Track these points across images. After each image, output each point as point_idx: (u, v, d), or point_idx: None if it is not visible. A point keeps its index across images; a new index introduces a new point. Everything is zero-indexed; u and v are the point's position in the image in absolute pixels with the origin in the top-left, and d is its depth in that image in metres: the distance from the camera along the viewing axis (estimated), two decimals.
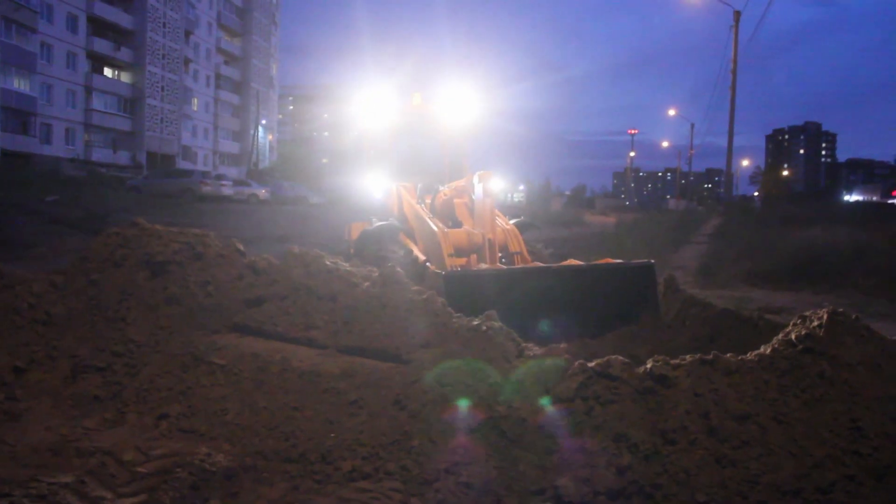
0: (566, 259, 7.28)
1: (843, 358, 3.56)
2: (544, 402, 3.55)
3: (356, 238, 8.11)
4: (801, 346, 3.61)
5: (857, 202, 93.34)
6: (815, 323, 3.72)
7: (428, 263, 6.40)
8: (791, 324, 3.90)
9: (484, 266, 6.40)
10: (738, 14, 35.77)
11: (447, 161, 9.35)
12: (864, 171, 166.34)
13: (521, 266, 6.81)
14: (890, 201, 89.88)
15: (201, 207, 28.93)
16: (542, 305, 5.84)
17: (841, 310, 3.79)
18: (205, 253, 5.17)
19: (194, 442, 3.58)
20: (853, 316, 3.80)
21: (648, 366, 3.59)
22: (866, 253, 14.19)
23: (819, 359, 3.54)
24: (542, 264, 6.96)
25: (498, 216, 7.29)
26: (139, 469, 3.28)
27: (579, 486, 3.13)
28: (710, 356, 3.63)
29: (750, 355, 3.68)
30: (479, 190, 6.90)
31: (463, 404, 3.62)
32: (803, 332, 3.68)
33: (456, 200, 7.78)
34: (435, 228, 6.96)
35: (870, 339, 3.73)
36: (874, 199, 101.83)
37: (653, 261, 6.54)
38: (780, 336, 3.78)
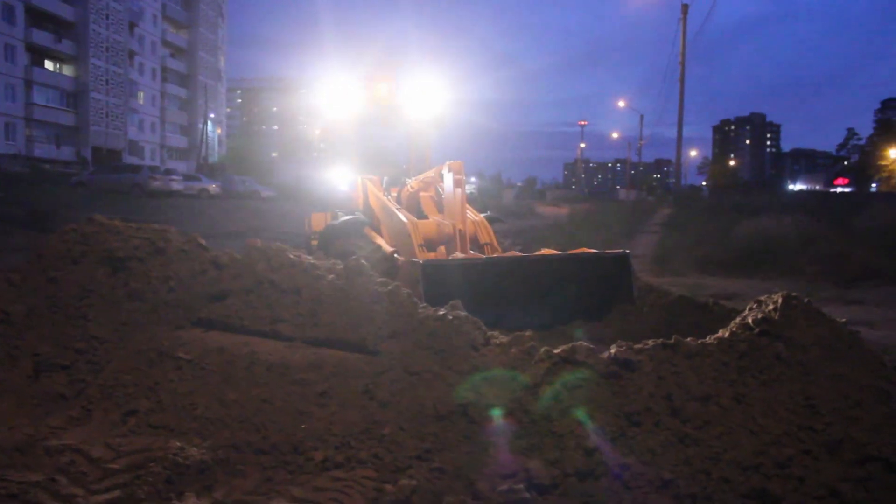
0: (529, 251, 7.35)
1: (797, 340, 3.71)
2: (512, 388, 3.63)
3: (322, 232, 8.03)
4: (757, 330, 3.76)
5: (801, 191, 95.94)
6: (771, 307, 3.88)
7: (396, 255, 6.38)
8: (748, 308, 4.05)
9: (460, 255, 6.41)
10: (685, 7, 36.49)
11: (413, 154, 9.30)
12: (807, 161, 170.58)
13: (499, 255, 6.83)
14: (832, 190, 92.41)
15: (151, 203, 28.36)
16: (520, 294, 5.91)
17: (795, 294, 3.95)
18: (166, 248, 5.11)
19: (165, 437, 3.56)
20: (805, 300, 3.97)
21: (612, 351, 3.70)
22: (811, 241, 14.67)
23: (775, 341, 3.69)
24: (518, 253, 6.99)
25: (467, 208, 7.30)
26: (111, 465, 3.25)
27: (549, 469, 3.21)
28: (672, 341, 3.76)
29: (709, 339, 3.82)
30: (448, 180, 6.88)
31: (432, 393, 3.68)
32: (760, 316, 3.83)
33: (422, 194, 7.77)
34: (405, 220, 6.94)
35: (821, 322, 3.90)
36: (817, 187, 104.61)
37: (628, 251, 6.65)
38: (738, 320, 3.93)
